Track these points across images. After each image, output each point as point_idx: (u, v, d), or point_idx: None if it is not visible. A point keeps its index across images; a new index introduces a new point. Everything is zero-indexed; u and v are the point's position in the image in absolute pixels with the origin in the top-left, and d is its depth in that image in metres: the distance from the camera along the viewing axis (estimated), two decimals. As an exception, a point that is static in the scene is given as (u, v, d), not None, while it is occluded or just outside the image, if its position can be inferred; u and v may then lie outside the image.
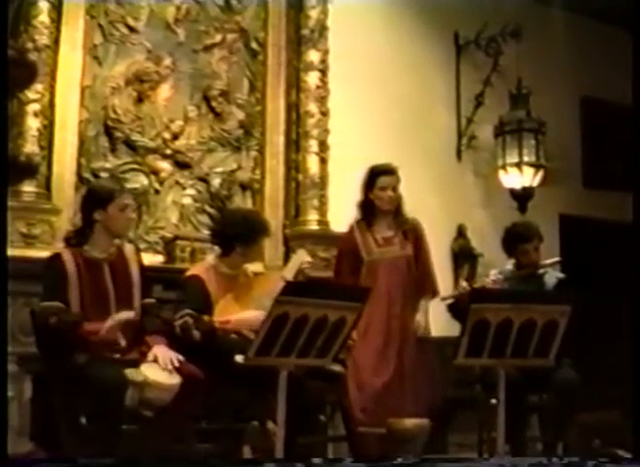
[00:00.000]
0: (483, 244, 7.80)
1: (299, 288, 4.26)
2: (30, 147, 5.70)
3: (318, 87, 6.88)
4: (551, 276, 5.66)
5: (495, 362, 4.64)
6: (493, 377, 4.72)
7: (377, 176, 5.62)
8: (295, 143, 6.86)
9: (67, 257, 4.61)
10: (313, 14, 6.94)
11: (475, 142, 8.21)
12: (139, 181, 6.33)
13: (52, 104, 5.90)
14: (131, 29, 6.44)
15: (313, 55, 6.90)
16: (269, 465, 4.17)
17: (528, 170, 7.94)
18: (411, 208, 5.75)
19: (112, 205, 4.65)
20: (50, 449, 4.57)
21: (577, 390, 5.26)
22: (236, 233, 5.12)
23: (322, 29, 6.95)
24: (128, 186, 5.86)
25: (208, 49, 6.76)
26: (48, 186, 5.88)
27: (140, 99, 6.41)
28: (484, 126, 8.17)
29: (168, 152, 6.46)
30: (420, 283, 5.64)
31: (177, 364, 4.47)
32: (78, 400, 4.33)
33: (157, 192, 6.42)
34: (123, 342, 4.52)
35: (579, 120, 9.12)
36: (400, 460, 4.44)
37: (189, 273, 5.15)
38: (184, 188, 6.54)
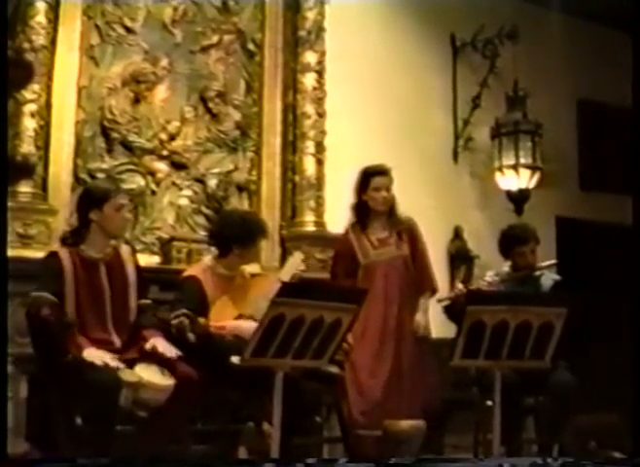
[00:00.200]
0: (480, 246, 7.80)
1: (295, 289, 4.26)
2: (27, 147, 5.70)
3: (315, 88, 6.88)
4: (548, 279, 5.66)
5: (491, 364, 4.65)
6: (489, 379, 4.73)
7: (371, 177, 5.63)
8: (291, 144, 6.87)
9: (64, 255, 4.61)
10: (310, 15, 6.94)
11: (471, 144, 8.22)
12: (136, 182, 6.33)
13: (48, 104, 5.89)
14: (128, 30, 6.44)
15: (310, 57, 6.90)
16: (267, 465, 4.17)
17: (525, 172, 7.94)
18: (408, 210, 5.75)
19: (108, 205, 4.65)
20: (45, 450, 4.56)
21: (573, 392, 5.26)
22: (234, 234, 5.12)
23: (319, 31, 6.95)
24: (125, 187, 5.88)
25: (205, 50, 6.76)
26: (44, 186, 5.87)
27: (137, 100, 6.40)
28: (481, 128, 8.17)
29: (165, 153, 6.46)
30: (418, 282, 5.65)
31: (174, 356, 4.47)
32: (73, 400, 4.32)
33: (153, 192, 6.41)
34: (117, 343, 4.53)
35: (575, 122, 9.11)
36: (395, 460, 4.46)
37: (186, 274, 5.15)
38: (180, 189, 6.53)
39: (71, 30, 6.13)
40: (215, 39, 6.80)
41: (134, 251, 4.99)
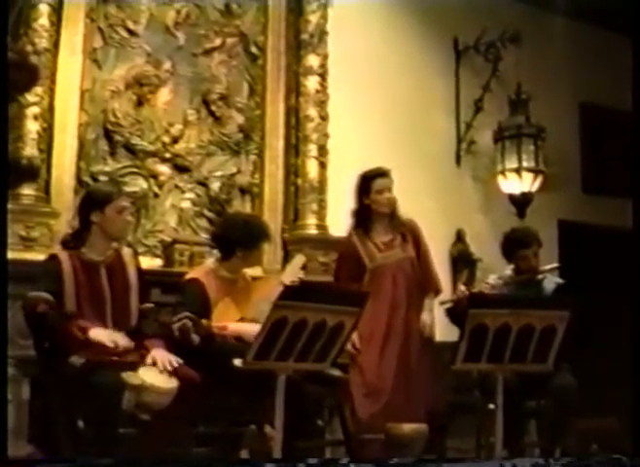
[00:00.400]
0: (482, 249, 7.80)
1: (297, 292, 4.26)
2: (29, 150, 5.71)
3: (317, 91, 6.89)
4: (550, 282, 5.66)
5: (493, 367, 4.64)
6: (491, 383, 4.72)
7: (372, 180, 5.61)
8: (294, 147, 6.87)
9: (64, 258, 4.59)
10: (313, 18, 6.95)
11: (474, 147, 8.21)
12: (138, 185, 6.34)
13: (51, 107, 5.91)
14: (131, 33, 6.45)
15: (313, 60, 6.91)
16: (269, 466, 4.17)
17: (527, 176, 7.94)
18: (410, 213, 5.75)
19: (109, 207, 4.64)
20: (48, 452, 4.56)
21: (575, 395, 5.26)
22: (237, 237, 5.11)
23: (321, 34, 6.96)
24: (128, 189, 5.89)
25: (208, 53, 6.77)
26: (47, 189, 5.89)
27: (140, 103, 6.41)
28: (484, 132, 8.17)
29: (168, 155, 6.47)
30: (423, 283, 5.65)
31: (176, 365, 4.46)
32: (75, 403, 4.32)
33: (156, 195, 6.42)
34: (120, 345, 4.53)
35: (578, 125, 9.12)
36: (396, 460, 4.45)
37: (188, 277, 5.14)
38: (183, 192, 6.54)
39: (74, 33, 6.15)
40: (218, 42, 6.82)
41: (136, 254, 4.98)
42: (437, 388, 5.49)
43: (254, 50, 6.98)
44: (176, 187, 6.51)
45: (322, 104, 6.89)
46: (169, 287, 5.49)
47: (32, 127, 5.74)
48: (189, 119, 6.60)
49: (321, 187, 6.80)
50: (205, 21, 6.78)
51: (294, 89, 6.94)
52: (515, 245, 5.66)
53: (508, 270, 5.71)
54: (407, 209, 5.72)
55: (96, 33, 6.32)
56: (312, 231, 6.73)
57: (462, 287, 5.72)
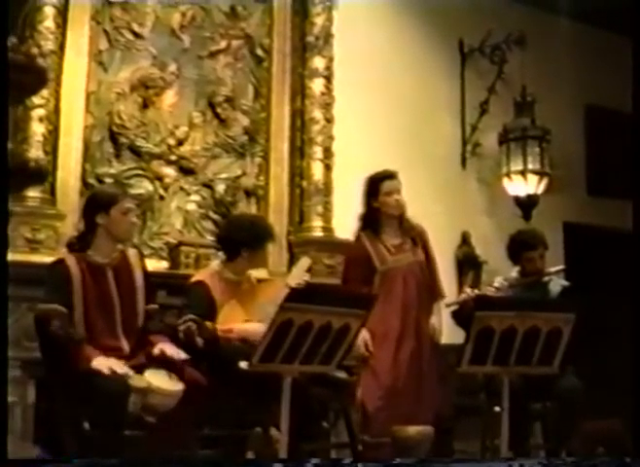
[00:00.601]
0: (487, 252, 7.80)
1: (303, 295, 4.26)
2: (35, 152, 5.70)
3: (323, 93, 6.89)
4: (556, 284, 5.65)
5: (499, 370, 4.64)
6: (497, 385, 4.72)
7: (381, 182, 5.58)
8: (299, 150, 6.87)
9: (71, 262, 4.58)
10: (318, 21, 6.96)
11: (479, 149, 8.21)
12: (144, 187, 6.34)
13: (57, 110, 5.91)
14: (136, 35, 6.46)
15: (318, 62, 6.91)
16: (276, 465, 4.17)
17: (532, 178, 7.93)
18: (415, 215, 5.74)
19: (114, 209, 4.64)
20: (53, 454, 4.57)
21: (580, 398, 5.25)
22: (243, 237, 5.11)
23: (327, 36, 6.97)
24: (133, 192, 5.90)
25: (213, 55, 6.77)
26: (52, 191, 5.89)
27: (145, 105, 6.42)
28: (489, 134, 8.17)
29: (173, 158, 6.47)
30: (432, 287, 5.64)
31: (183, 357, 4.47)
32: (81, 405, 4.32)
33: (161, 198, 6.42)
34: (126, 348, 4.54)
35: (583, 127, 9.12)
36: (400, 460, 4.46)
37: (194, 279, 5.14)
38: (188, 194, 6.54)
39: (79, 35, 6.16)
40: (223, 44, 6.82)
41: (142, 255, 4.98)
42: (445, 391, 5.49)
43: (259, 52, 6.99)
44: (181, 189, 6.51)
45: (327, 106, 6.89)
46: (175, 289, 5.49)
47: (38, 130, 5.74)
48: (194, 121, 6.60)
49: (326, 189, 6.80)
50: (210, 24, 6.78)
51: (299, 91, 6.94)
52: (521, 247, 5.66)
53: (513, 273, 5.71)
54: (412, 212, 5.71)
55: (102, 35, 6.33)
56: (318, 233, 6.73)
57: (468, 290, 5.71)
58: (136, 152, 6.35)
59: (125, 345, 4.56)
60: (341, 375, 5.07)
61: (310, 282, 5.24)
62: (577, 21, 8.67)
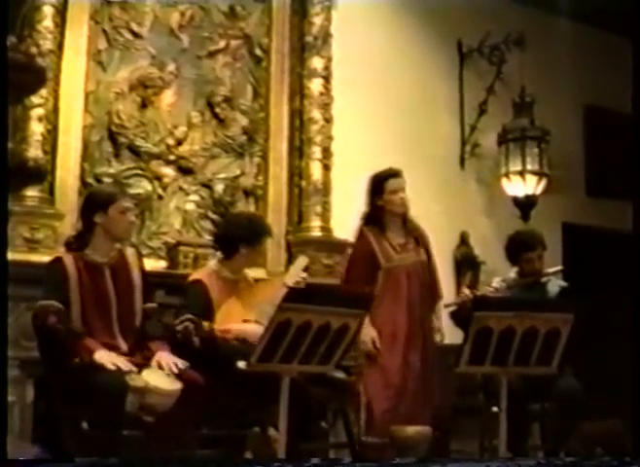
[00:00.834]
0: (486, 252, 7.80)
1: (302, 295, 4.26)
2: (34, 152, 5.69)
3: (322, 93, 6.89)
4: (554, 285, 5.66)
5: (497, 370, 4.64)
6: (495, 385, 4.72)
7: (385, 180, 5.55)
8: (298, 150, 6.87)
9: (68, 260, 4.59)
10: (317, 21, 6.95)
11: (478, 150, 8.21)
12: (142, 186, 6.34)
13: (55, 109, 5.90)
14: (135, 35, 6.45)
15: (317, 62, 6.91)
16: (275, 465, 4.17)
17: (531, 178, 7.94)
18: (414, 215, 5.73)
19: (113, 208, 4.64)
20: (52, 453, 4.56)
21: (578, 398, 5.25)
22: (241, 234, 5.12)
23: (326, 36, 6.96)
24: (132, 191, 5.91)
25: (212, 55, 6.77)
26: (51, 191, 5.89)
27: (144, 105, 6.41)
28: (488, 134, 8.17)
29: (172, 157, 6.47)
30: (433, 288, 5.65)
31: (182, 367, 4.46)
32: (79, 405, 4.32)
33: (160, 197, 6.42)
34: (123, 347, 4.54)
35: (582, 128, 9.12)
36: (399, 460, 4.46)
37: (191, 278, 5.14)
38: (187, 194, 6.54)
39: (78, 35, 6.15)
40: (222, 44, 6.82)
41: (140, 254, 4.98)
42: (443, 391, 5.48)
43: (258, 52, 6.98)
44: (180, 189, 6.51)
45: (326, 106, 6.89)
46: (173, 289, 5.49)
47: (37, 129, 5.73)
48: (193, 121, 6.60)
49: (325, 189, 6.80)
50: (209, 24, 6.78)
51: (298, 91, 6.94)
52: (520, 248, 5.66)
53: (512, 273, 5.71)
54: (411, 212, 5.70)
55: (101, 35, 6.33)
56: (316, 233, 6.73)
57: (466, 290, 5.71)
58: (135, 151, 6.35)
59: (123, 344, 4.57)
60: (340, 375, 5.07)
61: (309, 282, 5.24)
62: (576, 22, 8.68)
